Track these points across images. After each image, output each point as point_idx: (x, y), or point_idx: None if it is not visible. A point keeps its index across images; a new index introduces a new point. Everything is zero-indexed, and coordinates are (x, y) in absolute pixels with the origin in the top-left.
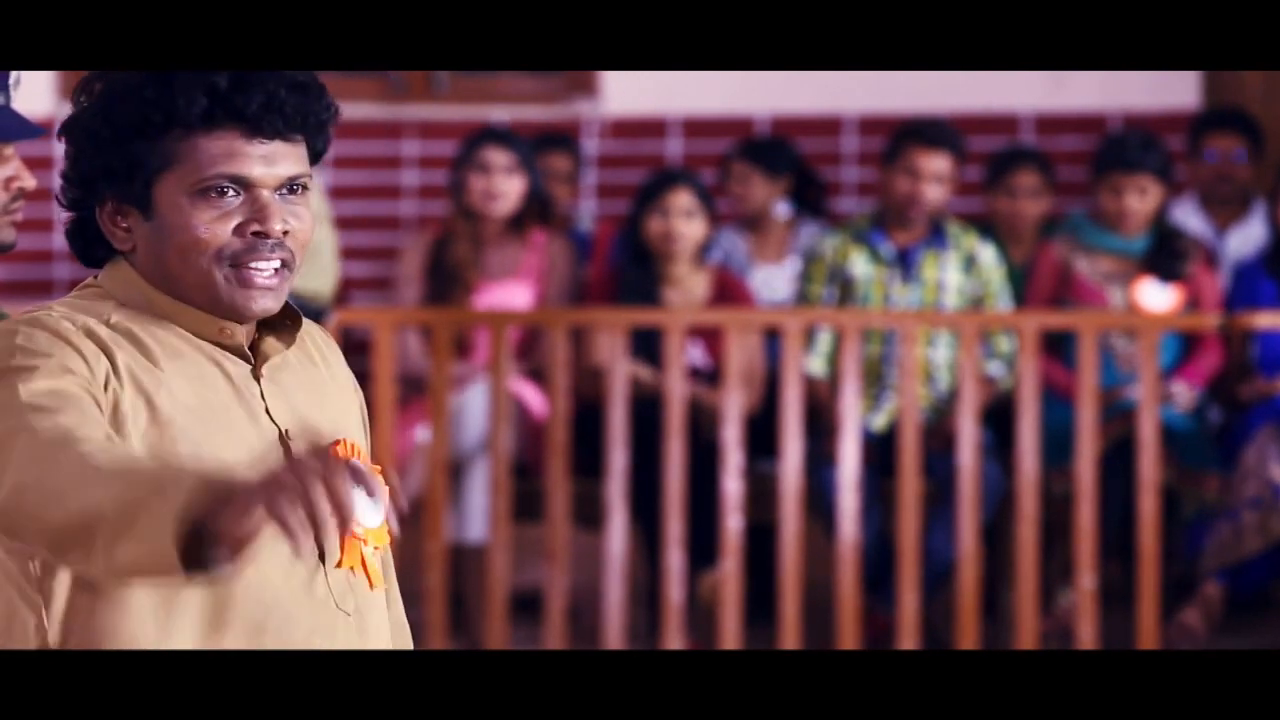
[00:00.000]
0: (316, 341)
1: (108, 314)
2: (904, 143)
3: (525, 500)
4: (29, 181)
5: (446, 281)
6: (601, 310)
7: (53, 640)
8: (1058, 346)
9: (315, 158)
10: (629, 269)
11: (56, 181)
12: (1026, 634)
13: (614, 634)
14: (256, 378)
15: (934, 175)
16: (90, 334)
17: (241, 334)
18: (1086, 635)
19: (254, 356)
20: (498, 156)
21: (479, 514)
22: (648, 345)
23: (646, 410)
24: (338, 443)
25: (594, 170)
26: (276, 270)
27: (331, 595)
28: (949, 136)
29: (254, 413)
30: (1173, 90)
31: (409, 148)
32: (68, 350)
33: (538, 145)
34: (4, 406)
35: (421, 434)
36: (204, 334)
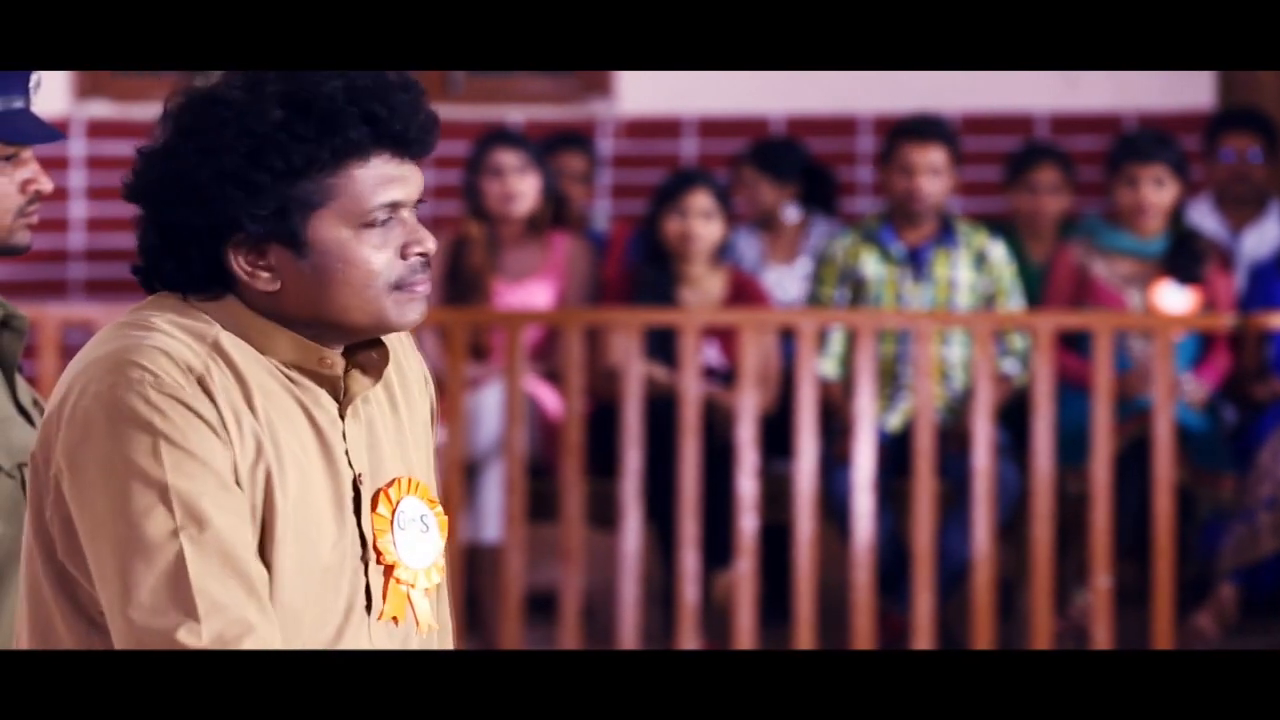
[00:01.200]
0: (394, 348)
1: (214, 337)
2: (896, 140)
3: (540, 500)
4: (46, 185)
5: (465, 287)
6: (617, 310)
7: None
8: (1074, 348)
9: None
10: (645, 269)
11: (136, 209)
12: (1042, 634)
13: (628, 634)
14: (341, 415)
15: (929, 168)
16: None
17: (341, 365)
18: (1101, 635)
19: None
20: (508, 158)
21: (494, 514)
22: (663, 345)
23: (661, 410)
24: (393, 481)
25: (609, 170)
26: (427, 283)
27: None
28: (939, 129)
29: (334, 457)
30: (1188, 90)
31: None
32: (211, 440)
33: (553, 145)
34: (148, 477)
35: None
36: (304, 364)
